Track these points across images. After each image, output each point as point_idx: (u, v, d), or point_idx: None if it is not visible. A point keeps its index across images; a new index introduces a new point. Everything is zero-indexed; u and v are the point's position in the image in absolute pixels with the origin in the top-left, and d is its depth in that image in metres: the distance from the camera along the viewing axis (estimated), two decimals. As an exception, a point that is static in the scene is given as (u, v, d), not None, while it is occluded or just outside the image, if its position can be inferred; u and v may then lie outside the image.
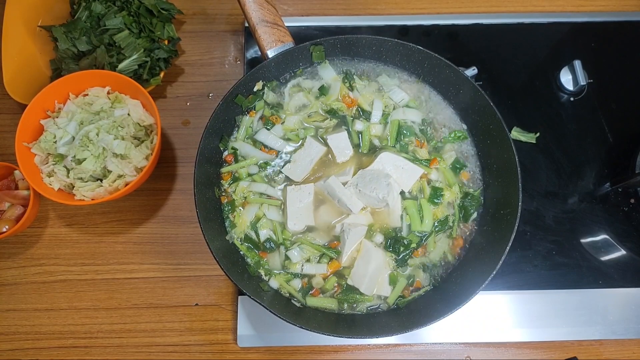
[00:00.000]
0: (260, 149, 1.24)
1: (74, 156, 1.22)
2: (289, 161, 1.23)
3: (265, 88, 1.27)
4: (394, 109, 1.26)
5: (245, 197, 1.20)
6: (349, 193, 1.17)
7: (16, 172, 1.30)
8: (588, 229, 1.32)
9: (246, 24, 1.47)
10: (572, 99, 1.42)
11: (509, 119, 1.33)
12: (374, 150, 1.24)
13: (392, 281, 1.16)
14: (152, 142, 1.27)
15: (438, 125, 1.27)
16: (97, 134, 1.23)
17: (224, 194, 1.22)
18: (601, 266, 1.29)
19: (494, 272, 1.06)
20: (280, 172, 1.22)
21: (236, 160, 1.23)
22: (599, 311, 1.25)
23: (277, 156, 1.24)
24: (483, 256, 1.14)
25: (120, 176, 1.24)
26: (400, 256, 1.17)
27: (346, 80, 1.28)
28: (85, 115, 1.26)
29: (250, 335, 1.23)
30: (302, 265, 1.16)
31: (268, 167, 1.23)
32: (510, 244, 1.07)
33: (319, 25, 1.48)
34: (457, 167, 1.23)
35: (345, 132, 1.24)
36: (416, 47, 1.21)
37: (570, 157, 1.37)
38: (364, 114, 1.26)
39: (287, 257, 1.17)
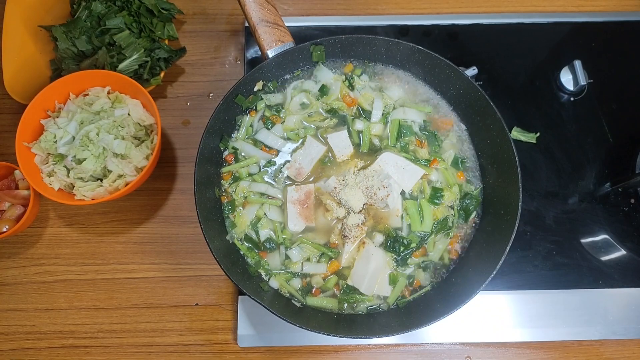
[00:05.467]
0: (261, 149, 1.24)
1: (74, 156, 1.22)
2: (289, 161, 1.23)
3: (266, 88, 1.27)
4: (394, 108, 1.26)
5: (246, 197, 1.20)
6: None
7: (16, 172, 1.30)
8: (588, 229, 1.32)
9: (246, 24, 1.47)
10: (572, 99, 1.42)
11: (509, 119, 1.33)
12: (374, 150, 1.24)
13: (392, 281, 1.16)
14: (152, 142, 1.27)
15: (438, 125, 1.27)
16: (98, 134, 1.23)
17: (224, 193, 1.22)
18: (601, 266, 1.29)
19: (494, 272, 1.06)
20: (281, 171, 1.22)
21: (236, 160, 1.23)
22: (599, 311, 1.25)
23: (277, 155, 1.24)
24: (483, 256, 1.14)
25: (120, 176, 1.24)
26: (400, 256, 1.17)
27: (346, 80, 1.29)
28: (85, 115, 1.26)
29: (250, 335, 1.23)
30: (302, 265, 1.16)
31: (268, 166, 1.23)
32: (510, 244, 1.07)
33: (319, 25, 1.48)
34: (457, 163, 1.23)
35: (346, 130, 1.24)
36: (416, 47, 1.22)
37: (571, 157, 1.37)
38: (364, 114, 1.26)
39: (287, 257, 1.17)
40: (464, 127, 1.27)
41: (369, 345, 1.25)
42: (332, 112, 1.26)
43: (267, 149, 1.24)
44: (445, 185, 1.22)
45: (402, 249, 1.16)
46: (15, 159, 1.20)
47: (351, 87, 1.28)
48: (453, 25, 1.49)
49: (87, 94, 1.29)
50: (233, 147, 1.24)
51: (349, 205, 1.16)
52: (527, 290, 1.27)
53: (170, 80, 1.45)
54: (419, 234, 1.18)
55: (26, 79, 1.34)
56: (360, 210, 1.18)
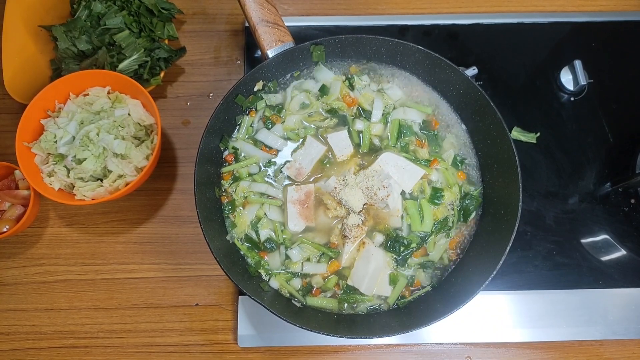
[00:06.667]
0: (261, 149, 1.24)
1: (75, 156, 1.22)
2: (289, 160, 1.23)
3: (266, 88, 1.27)
4: (394, 108, 1.26)
5: (246, 197, 1.20)
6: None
7: (16, 172, 1.30)
8: (588, 229, 1.32)
9: (246, 24, 1.47)
10: (572, 99, 1.42)
11: (509, 119, 1.33)
12: (374, 150, 1.24)
13: (393, 281, 1.16)
14: (152, 142, 1.27)
15: (439, 125, 1.27)
16: (98, 134, 1.23)
17: (224, 193, 1.22)
18: (601, 266, 1.29)
19: (495, 272, 1.06)
20: (281, 171, 1.22)
21: (237, 160, 1.23)
22: (599, 311, 1.25)
23: (277, 155, 1.24)
24: (483, 256, 1.14)
25: (120, 176, 1.24)
26: (401, 256, 1.17)
27: (346, 80, 1.29)
28: (85, 115, 1.26)
29: (250, 335, 1.23)
30: (302, 265, 1.16)
31: (268, 166, 1.23)
32: (510, 244, 1.07)
33: (319, 25, 1.48)
34: (457, 163, 1.23)
35: (346, 130, 1.24)
36: (416, 47, 1.21)
37: (571, 157, 1.37)
38: (365, 114, 1.26)
39: (287, 257, 1.17)
40: (464, 127, 1.27)
41: (369, 345, 1.25)
42: (332, 112, 1.26)
43: (267, 149, 1.24)
44: (446, 186, 1.22)
45: (402, 249, 1.16)
46: (16, 159, 1.20)
47: (351, 87, 1.28)
48: (453, 25, 1.49)
49: (87, 94, 1.29)
50: (233, 147, 1.24)
51: (349, 205, 1.16)
52: (527, 290, 1.27)
53: (170, 80, 1.45)
54: (419, 234, 1.18)
55: (26, 79, 1.34)
56: (361, 211, 1.18)
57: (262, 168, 1.23)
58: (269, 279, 1.17)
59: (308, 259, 1.17)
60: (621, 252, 1.30)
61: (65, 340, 1.26)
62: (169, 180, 1.37)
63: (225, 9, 1.53)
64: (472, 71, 1.38)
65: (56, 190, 1.23)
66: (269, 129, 1.25)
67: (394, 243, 1.17)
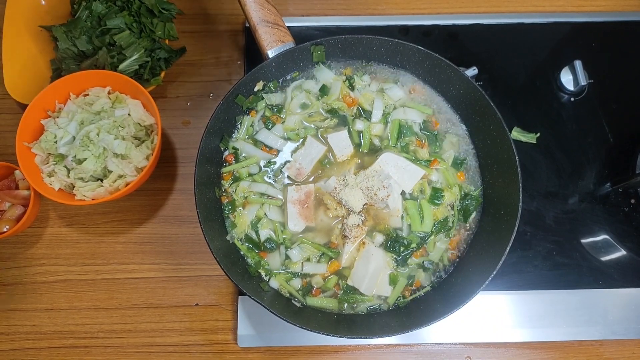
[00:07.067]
0: (261, 149, 1.24)
1: (75, 156, 1.22)
2: (289, 161, 1.23)
3: (266, 88, 1.27)
4: (394, 108, 1.26)
5: (246, 197, 1.20)
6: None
7: (17, 172, 1.30)
8: (588, 229, 1.32)
9: (247, 24, 1.47)
10: (572, 99, 1.42)
11: (510, 119, 1.33)
12: (374, 150, 1.24)
13: (392, 281, 1.16)
14: (152, 142, 1.27)
15: (439, 125, 1.27)
16: (98, 134, 1.23)
17: (224, 193, 1.22)
18: (601, 266, 1.29)
19: (494, 272, 1.06)
20: (281, 171, 1.22)
21: (237, 160, 1.23)
22: (599, 311, 1.25)
23: (277, 155, 1.24)
24: (483, 256, 1.14)
25: (120, 176, 1.24)
26: (401, 256, 1.17)
27: (347, 80, 1.29)
28: (85, 115, 1.26)
29: (250, 335, 1.23)
30: (302, 265, 1.16)
31: (269, 166, 1.23)
32: (510, 244, 1.07)
33: (320, 25, 1.48)
34: (457, 163, 1.23)
35: (346, 130, 1.24)
36: (416, 47, 1.22)
37: (571, 157, 1.37)
38: (365, 114, 1.26)
39: (287, 257, 1.17)
40: (464, 127, 1.27)
41: (369, 345, 1.25)
42: (332, 112, 1.27)
43: (267, 149, 1.24)
44: (446, 186, 1.22)
45: (402, 249, 1.16)
46: (16, 159, 1.20)
47: (351, 87, 1.28)
48: (453, 25, 1.49)
49: (88, 94, 1.29)
50: (233, 147, 1.24)
51: (349, 205, 1.16)
52: (527, 290, 1.27)
53: (171, 80, 1.45)
54: (419, 234, 1.18)
55: (26, 79, 1.34)
56: (361, 211, 1.18)
57: (262, 168, 1.23)
58: (269, 279, 1.17)
59: (308, 259, 1.17)
60: (621, 252, 1.30)
61: (65, 340, 1.26)
62: (169, 180, 1.37)
63: (225, 9, 1.53)
64: (472, 71, 1.38)
65: (56, 190, 1.23)
66: (269, 129, 1.25)
67: (394, 243, 1.17)
